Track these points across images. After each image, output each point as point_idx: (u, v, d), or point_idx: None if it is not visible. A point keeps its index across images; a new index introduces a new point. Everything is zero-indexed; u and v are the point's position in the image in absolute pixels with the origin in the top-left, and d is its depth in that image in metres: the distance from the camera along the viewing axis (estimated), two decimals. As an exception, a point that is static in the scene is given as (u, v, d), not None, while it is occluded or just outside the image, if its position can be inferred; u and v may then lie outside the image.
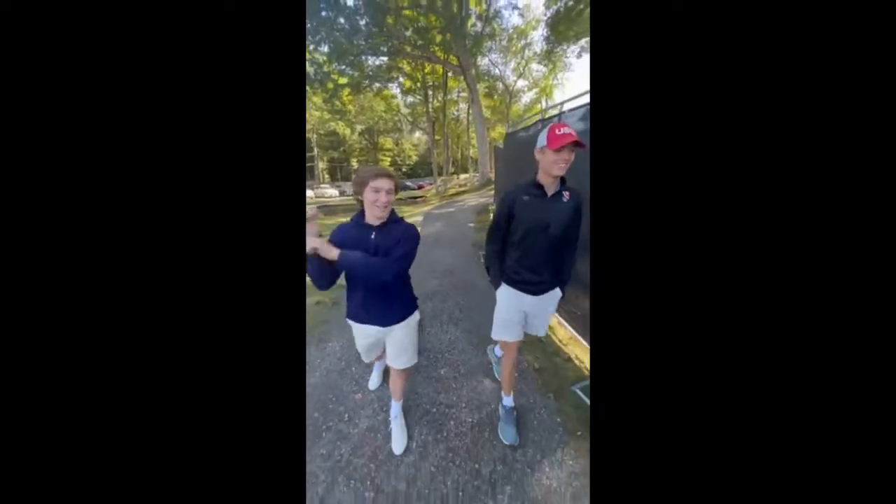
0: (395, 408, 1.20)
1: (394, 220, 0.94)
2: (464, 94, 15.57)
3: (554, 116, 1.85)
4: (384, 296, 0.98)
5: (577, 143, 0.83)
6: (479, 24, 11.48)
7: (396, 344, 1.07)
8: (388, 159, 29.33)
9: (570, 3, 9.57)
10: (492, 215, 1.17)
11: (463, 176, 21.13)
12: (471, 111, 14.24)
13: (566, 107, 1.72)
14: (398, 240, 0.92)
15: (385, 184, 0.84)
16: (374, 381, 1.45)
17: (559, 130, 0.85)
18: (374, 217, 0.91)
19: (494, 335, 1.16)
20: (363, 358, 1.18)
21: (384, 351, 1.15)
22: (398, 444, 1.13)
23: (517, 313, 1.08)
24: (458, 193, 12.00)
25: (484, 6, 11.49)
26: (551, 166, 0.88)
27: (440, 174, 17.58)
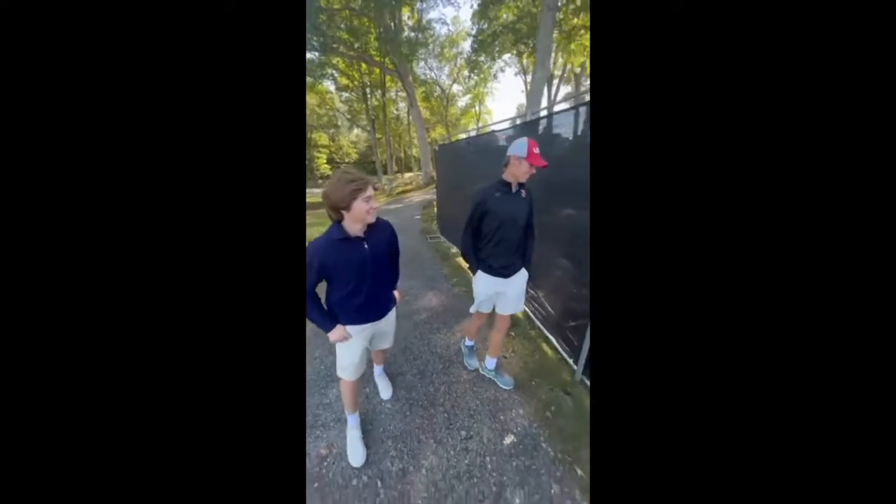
0: (378, 368, 1.46)
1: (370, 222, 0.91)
2: (402, 94, 16.16)
3: (483, 134, 2.85)
4: (383, 289, 1.05)
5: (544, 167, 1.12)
6: (412, 35, 12.31)
7: (388, 329, 1.16)
8: (324, 156, 27.61)
9: (486, 26, 11.18)
10: (436, 209, 1.69)
11: (408, 175, 21.68)
12: (411, 113, 15.00)
13: (496, 127, 2.49)
14: (387, 241, 0.99)
15: (372, 190, 0.84)
16: (386, 392, 1.46)
17: (535, 150, 1.11)
18: (361, 227, 0.88)
19: (473, 310, 1.43)
20: (352, 375, 1.10)
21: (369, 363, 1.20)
22: (385, 392, 1.43)
23: (492, 294, 1.33)
24: (403, 192, 12.69)
25: (417, 17, 12.38)
26: (524, 174, 1.14)
27: (385, 173, 17.88)
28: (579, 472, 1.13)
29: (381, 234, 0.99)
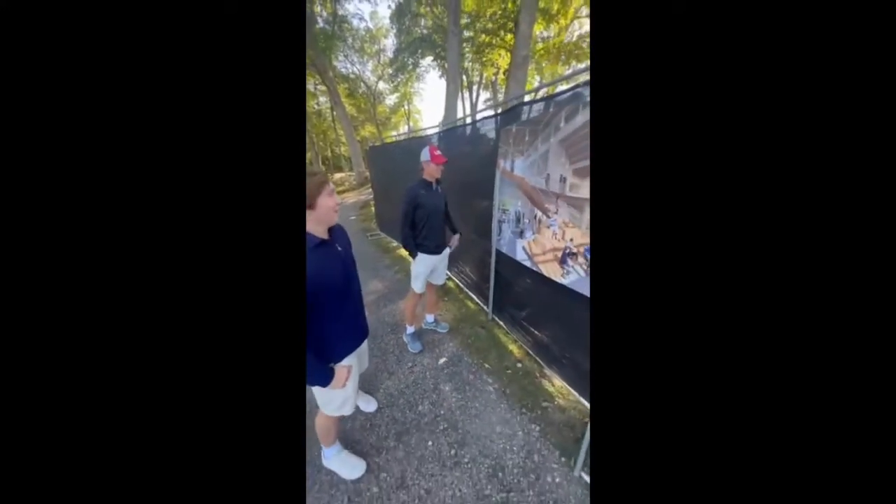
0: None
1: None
2: (322, 87, 15.11)
3: (414, 138, 3.13)
4: (362, 299, 0.93)
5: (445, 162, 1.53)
6: (327, 27, 11.67)
7: (364, 347, 1.02)
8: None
9: (404, 25, 11.43)
10: (372, 209, 1.88)
11: (338, 175, 20.36)
12: (335, 110, 14.23)
13: (427, 132, 2.85)
14: (349, 243, 0.87)
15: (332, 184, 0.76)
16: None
17: (436, 152, 1.51)
18: (326, 228, 0.77)
19: (418, 289, 1.76)
20: (349, 408, 0.91)
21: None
22: (369, 405, 1.37)
23: (429, 270, 1.72)
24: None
25: (331, 7, 11.77)
26: (435, 172, 1.55)
27: (311, 173, 16.35)
28: (487, 365, 1.75)
29: (343, 237, 0.87)
